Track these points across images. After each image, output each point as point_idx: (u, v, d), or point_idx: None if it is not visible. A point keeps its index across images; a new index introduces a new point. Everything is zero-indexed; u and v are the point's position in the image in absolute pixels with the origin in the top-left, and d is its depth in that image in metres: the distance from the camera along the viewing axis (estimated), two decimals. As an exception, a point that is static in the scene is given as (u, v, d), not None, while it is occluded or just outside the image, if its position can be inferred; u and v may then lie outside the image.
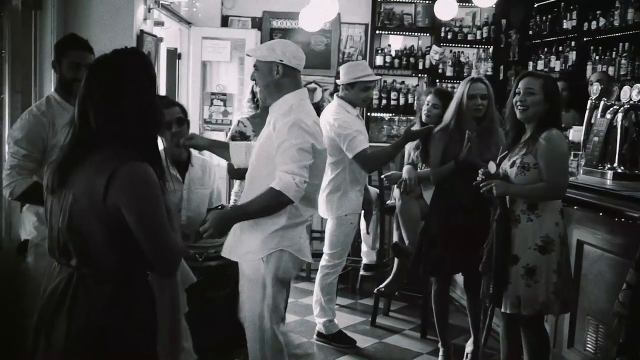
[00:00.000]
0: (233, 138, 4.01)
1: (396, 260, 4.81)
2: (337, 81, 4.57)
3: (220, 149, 3.42)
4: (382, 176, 4.77)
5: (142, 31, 4.35)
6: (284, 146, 2.90)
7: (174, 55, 6.67)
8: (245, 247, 3.05)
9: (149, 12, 4.52)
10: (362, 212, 4.81)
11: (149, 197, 1.97)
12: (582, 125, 4.60)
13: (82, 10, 4.06)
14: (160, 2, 5.24)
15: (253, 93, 4.08)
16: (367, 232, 5.07)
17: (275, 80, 3.04)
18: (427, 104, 4.56)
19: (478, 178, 3.37)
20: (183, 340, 2.97)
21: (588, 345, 3.55)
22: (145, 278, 2.10)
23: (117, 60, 2.05)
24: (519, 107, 3.28)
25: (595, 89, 4.36)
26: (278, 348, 3.09)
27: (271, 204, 2.91)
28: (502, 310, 3.34)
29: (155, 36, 4.82)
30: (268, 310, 3.04)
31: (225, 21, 7.52)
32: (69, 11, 4.04)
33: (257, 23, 7.54)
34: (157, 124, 2.09)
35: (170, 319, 2.78)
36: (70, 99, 3.12)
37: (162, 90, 5.78)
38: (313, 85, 7.32)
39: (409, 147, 4.71)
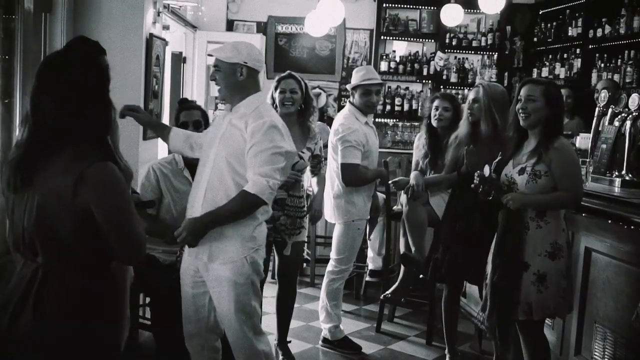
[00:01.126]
0: None
1: (402, 265, 4.80)
2: (347, 86, 4.60)
3: (159, 130, 3.37)
4: (390, 182, 4.76)
5: (151, 34, 4.35)
6: (258, 148, 2.92)
7: (179, 59, 6.68)
8: (226, 250, 3.01)
9: (158, 15, 4.53)
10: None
11: (118, 195, 2.04)
12: (587, 132, 4.61)
13: (92, 13, 4.05)
14: (170, 6, 5.24)
15: (273, 98, 4.05)
16: (369, 239, 5.06)
17: (238, 82, 3.03)
18: (437, 109, 4.55)
19: (475, 181, 3.39)
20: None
21: (595, 353, 3.54)
22: (111, 270, 2.15)
23: (67, 58, 2.09)
24: (521, 114, 3.29)
25: (602, 96, 4.37)
26: (262, 337, 3.18)
27: (246, 207, 2.94)
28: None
29: (164, 40, 4.83)
30: (256, 300, 3.11)
31: (230, 25, 7.55)
32: (79, 14, 4.03)
33: (262, 28, 7.57)
34: (108, 122, 2.10)
35: None
36: None
37: (166, 94, 5.77)
38: (317, 90, 7.33)
39: (418, 156, 4.72)
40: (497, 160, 3.45)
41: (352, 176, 4.32)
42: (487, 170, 3.38)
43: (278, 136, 2.97)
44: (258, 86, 3.13)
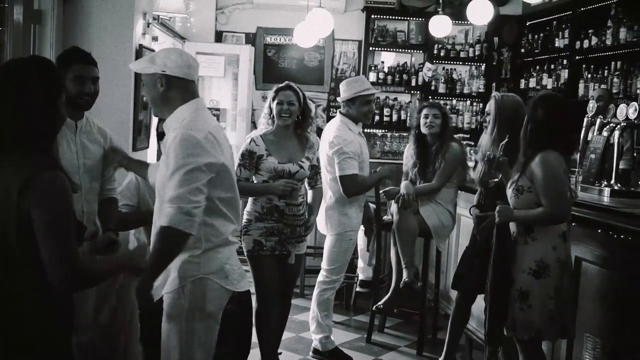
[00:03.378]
0: (242, 156, 3.94)
1: (394, 276, 4.80)
2: (338, 99, 4.58)
3: (140, 168, 3.20)
4: (380, 192, 4.76)
5: (141, 46, 4.35)
6: (171, 170, 2.56)
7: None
8: (162, 278, 2.65)
9: (148, 27, 4.52)
10: (363, 229, 4.82)
11: (62, 206, 2.03)
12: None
13: (81, 24, 4.04)
14: (160, 17, 5.23)
15: (270, 109, 4.01)
16: (368, 250, 5.05)
17: (160, 94, 2.70)
18: (426, 117, 4.58)
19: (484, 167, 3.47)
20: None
21: (586, 363, 3.55)
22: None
23: (6, 69, 2.15)
24: None
25: (591, 106, 4.40)
26: None
27: (166, 244, 2.54)
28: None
29: (153, 51, 4.82)
30: (199, 347, 2.67)
31: (219, 37, 7.54)
32: (69, 25, 4.01)
33: (250, 39, 7.57)
34: (54, 131, 2.14)
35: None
36: (75, 114, 3.06)
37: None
38: (307, 101, 7.33)
39: (407, 166, 4.74)
40: (503, 142, 3.46)
41: (352, 186, 4.33)
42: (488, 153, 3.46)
43: (194, 149, 2.56)
44: (191, 95, 2.75)
